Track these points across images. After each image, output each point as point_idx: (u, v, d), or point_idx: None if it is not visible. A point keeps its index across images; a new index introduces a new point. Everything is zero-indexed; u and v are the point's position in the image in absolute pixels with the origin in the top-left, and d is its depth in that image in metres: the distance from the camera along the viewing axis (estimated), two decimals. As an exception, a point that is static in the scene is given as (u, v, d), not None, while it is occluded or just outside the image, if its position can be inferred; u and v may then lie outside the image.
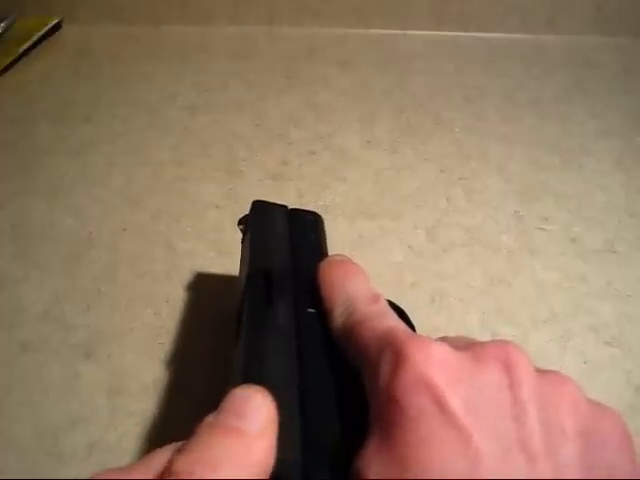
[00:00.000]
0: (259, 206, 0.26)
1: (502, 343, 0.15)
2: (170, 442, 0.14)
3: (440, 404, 0.14)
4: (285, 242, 0.24)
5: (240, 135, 0.45)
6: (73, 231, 0.37)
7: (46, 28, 0.59)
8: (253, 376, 0.16)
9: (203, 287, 0.33)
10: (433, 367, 0.14)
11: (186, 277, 0.33)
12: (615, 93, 0.51)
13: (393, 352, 0.15)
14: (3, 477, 0.24)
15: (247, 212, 0.27)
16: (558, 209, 0.39)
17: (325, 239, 0.25)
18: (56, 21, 0.60)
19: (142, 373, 0.28)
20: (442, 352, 0.15)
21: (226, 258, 0.34)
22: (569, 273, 0.34)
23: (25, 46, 0.56)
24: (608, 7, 0.59)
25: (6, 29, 0.58)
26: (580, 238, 0.36)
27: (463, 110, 0.49)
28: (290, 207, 0.26)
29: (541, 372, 0.15)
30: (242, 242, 0.27)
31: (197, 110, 0.48)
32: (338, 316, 0.19)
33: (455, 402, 0.14)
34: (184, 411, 0.27)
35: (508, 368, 0.15)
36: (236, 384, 0.15)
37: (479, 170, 0.42)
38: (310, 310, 0.20)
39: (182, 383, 0.28)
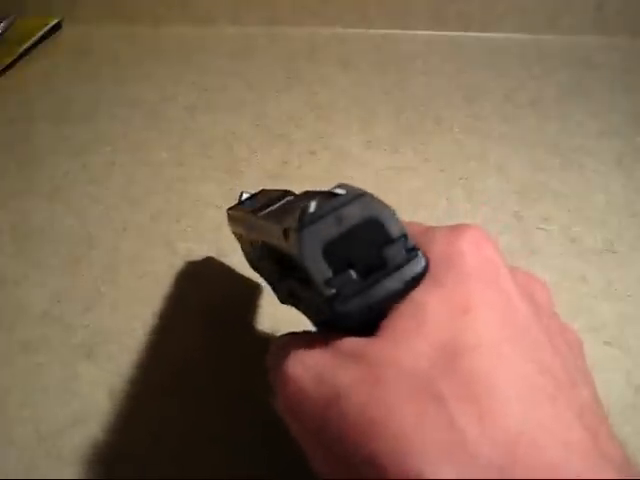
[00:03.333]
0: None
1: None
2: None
3: (494, 263, 0.16)
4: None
5: (240, 135, 0.45)
6: (73, 231, 0.37)
7: (46, 28, 0.59)
8: None
9: (203, 287, 0.33)
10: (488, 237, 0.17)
11: (186, 277, 0.33)
12: (615, 93, 0.51)
13: (449, 227, 0.17)
14: (3, 477, 0.24)
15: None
16: (558, 209, 0.39)
17: None
18: (56, 21, 0.60)
19: (142, 373, 0.28)
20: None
21: (226, 258, 0.34)
22: (569, 273, 0.34)
23: (25, 46, 0.56)
24: (608, 7, 0.59)
25: (6, 29, 0.58)
26: (580, 238, 0.36)
27: (463, 110, 0.49)
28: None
29: None
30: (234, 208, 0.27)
31: (197, 110, 0.48)
32: None
33: (504, 269, 0.16)
34: (184, 411, 0.27)
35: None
36: None
37: (479, 170, 0.42)
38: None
39: (182, 383, 0.28)
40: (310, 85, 0.52)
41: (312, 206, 0.15)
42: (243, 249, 0.28)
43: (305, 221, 0.15)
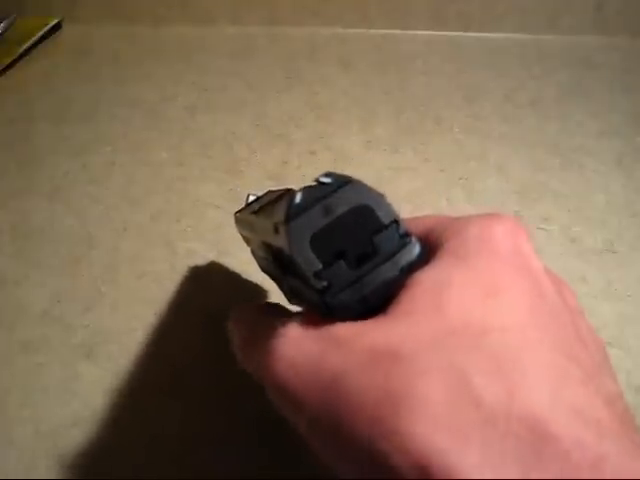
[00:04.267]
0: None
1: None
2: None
3: (527, 252, 0.16)
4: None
5: (240, 135, 0.45)
6: (73, 231, 0.37)
7: (46, 28, 0.59)
8: None
9: (203, 287, 0.33)
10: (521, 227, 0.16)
11: (186, 277, 0.33)
12: (615, 93, 0.51)
13: (485, 214, 0.16)
14: (3, 477, 0.24)
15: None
16: (558, 209, 0.39)
17: None
18: (56, 21, 0.60)
19: (142, 373, 0.28)
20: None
21: (226, 258, 0.34)
22: (569, 273, 0.34)
23: (25, 46, 0.56)
24: (608, 7, 0.59)
25: (6, 29, 0.58)
26: (580, 238, 0.36)
27: (463, 110, 0.49)
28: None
29: None
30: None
31: (197, 110, 0.48)
32: None
33: (537, 260, 0.16)
34: (184, 411, 0.27)
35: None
36: None
37: (479, 170, 0.42)
38: None
39: (182, 383, 0.28)
40: (310, 85, 0.52)
41: (298, 197, 0.15)
42: (253, 252, 0.27)
43: (291, 213, 0.15)
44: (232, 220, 0.29)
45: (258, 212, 0.22)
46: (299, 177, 0.41)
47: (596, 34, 0.59)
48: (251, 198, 0.28)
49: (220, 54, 0.57)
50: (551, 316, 0.14)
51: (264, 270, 0.25)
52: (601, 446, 0.11)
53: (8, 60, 0.54)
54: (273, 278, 0.23)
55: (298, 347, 0.15)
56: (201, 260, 0.34)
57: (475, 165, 0.42)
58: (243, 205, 0.28)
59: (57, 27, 0.61)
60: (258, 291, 0.32)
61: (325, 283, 0.15)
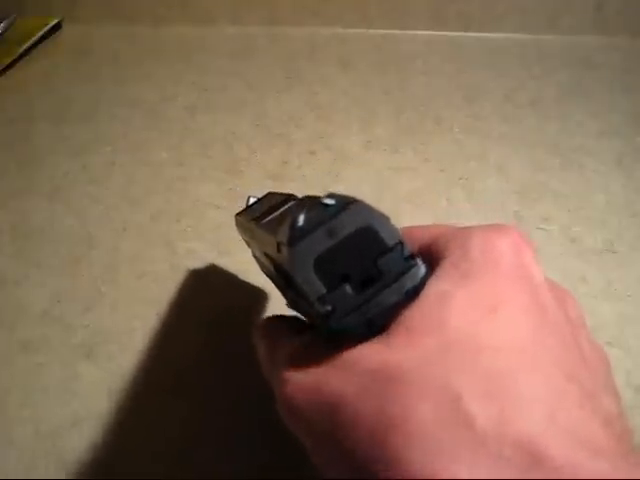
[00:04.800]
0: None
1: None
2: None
3: (531, 269, 0.15)
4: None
5: (240, 135, 0.45)
6: (73, 231, 0.37)
7: (46, 28, 0.59)
8: None
9: (203, 287, 0.33)
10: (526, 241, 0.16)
11: (186, 277, 0.33)
12: (615, 93, 0.51)
13: (488, 226, 0.16)
14: (3, 477, 0.24)
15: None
16: (558, 209, 0.39)
17: None
18: (56, 21, 0.60)
19: (142, 373, 0.28)
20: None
21: (226, 258, 0.34)
22: (569, 273, 0.34)
23: (25, 46, 0.56)
24: (608, 7, 0.59)
25: (6, 29, 0.58)
26: (580, 238, 0.36)
27: (463, 110, 0.49)
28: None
29: None
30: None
31: (197, 110, 0.48)
32: None
33: (541, 276, 0.16)
34: (184, 411, 0.27)
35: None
36: None
37: (479, 170, 0.42)
38: None
39: (182, 383, 0.28)
40: (310, 85, 0.52)
41: (301, 219, 0.15)
42: (254, 255, 0.27)
43: (294, 236, 0.14)
44: (232, 220, 0.29)
45: (259, 219, 0.22)
46: (299, 177, 0.41)
47: (596, 34, 0.59)
48: (252, 200, 0.28)
49: (220, 54, 0.57)
50: (552, 333, 0.14)
51: (266, 274, 0.25)
52: (595, 465, 0.11)
53: (8, 60, 0.54)
54: (274, 282, 0.23)
55: (304, 369, 0.15)
56: (201, 260, 0.34)
57: (475, 165, 0.42)
58: (244, 206, 0.28)
59: (57, 27, 0.61)
60: (258, 292, 0.32)
61: (329, 307, 0.14)
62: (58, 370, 0.29)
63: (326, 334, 0.15)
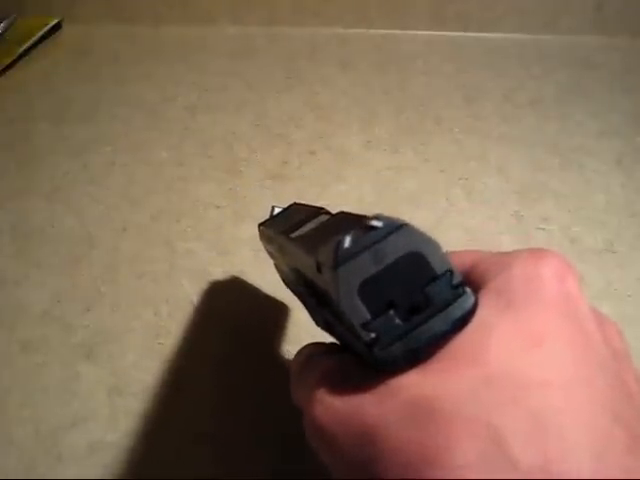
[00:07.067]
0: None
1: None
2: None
3: (576, 298, 0.15)
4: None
5: (240, 135, 0.45)
6: (73, 231, 0.37)
7: (46, 28, 0.59)
8: None
9: (203, 287, 0.33)
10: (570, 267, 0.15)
11: (186, 277, 0.33)
12: (615, 93, 0.51)
13: (529, 251, 0.16)
14: (3, 477, 0.24)
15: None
16: (558, 209, 0.39)
17: None
18: (56, 21, 0.60)
19: (142, 373, 0.28)
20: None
21: (226, 258, 0.34)
22: (569, 273, 0.34)
23: (25, 46, 0.56)
24: (608, 7, 0.59)
25: (6, 29, 0.58)
26: (580, 238, 0.36)
27: (463, 110, 0.49)
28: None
29: None
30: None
31: (197, 110, 0.48)
32: None
33: (586, 306, 0.15)
34: (184, 411, 0.27)
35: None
36: None
37: (479, 170, 0.42)
38: None
39: (182, 383, 0.28)
40: (310, 85, 0.52)
41: (347, 241, 0.14)
42: (277, 267, 0.27)
43: (340, 259, 0.14)
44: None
45: (288, 232, 0.21)
46: (299, 177, 0.41)
47: (596, 34, 0.59)
48: (276, 210, 0.27)
49: (220, 54, 0.57)
50: (598, 370, 0.13)
51: (289, 287, 0.25)
52: None
53: (8, 60, 0.54)
54: (301, 298, 0.22)
55: (338, 393, 0.15)
56: (201, 260, 0.34)
57: (475, 165, 0.42)
58: (267, 216, 0.27)
59: (57, 27, 0.61)
60: (258, 293, 0.32)
61: (373, 335, 0.14)
62: (58, 370, 0.29)
63: (370, 363, 0.14)
